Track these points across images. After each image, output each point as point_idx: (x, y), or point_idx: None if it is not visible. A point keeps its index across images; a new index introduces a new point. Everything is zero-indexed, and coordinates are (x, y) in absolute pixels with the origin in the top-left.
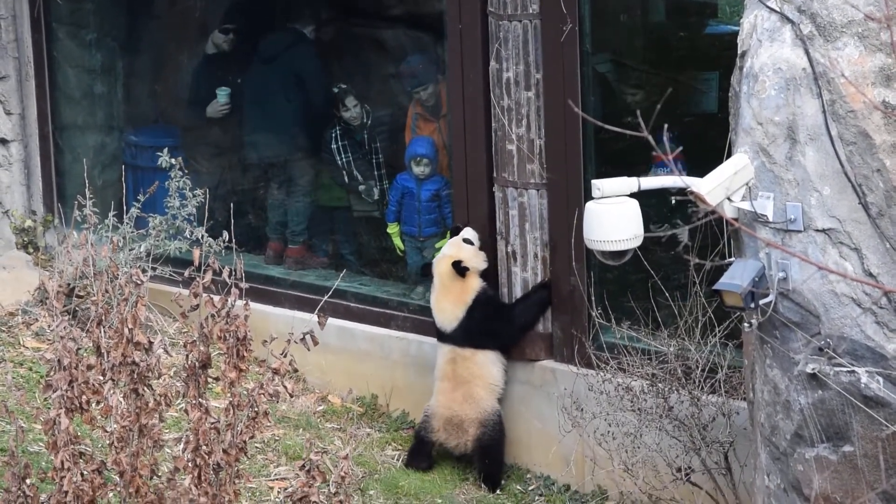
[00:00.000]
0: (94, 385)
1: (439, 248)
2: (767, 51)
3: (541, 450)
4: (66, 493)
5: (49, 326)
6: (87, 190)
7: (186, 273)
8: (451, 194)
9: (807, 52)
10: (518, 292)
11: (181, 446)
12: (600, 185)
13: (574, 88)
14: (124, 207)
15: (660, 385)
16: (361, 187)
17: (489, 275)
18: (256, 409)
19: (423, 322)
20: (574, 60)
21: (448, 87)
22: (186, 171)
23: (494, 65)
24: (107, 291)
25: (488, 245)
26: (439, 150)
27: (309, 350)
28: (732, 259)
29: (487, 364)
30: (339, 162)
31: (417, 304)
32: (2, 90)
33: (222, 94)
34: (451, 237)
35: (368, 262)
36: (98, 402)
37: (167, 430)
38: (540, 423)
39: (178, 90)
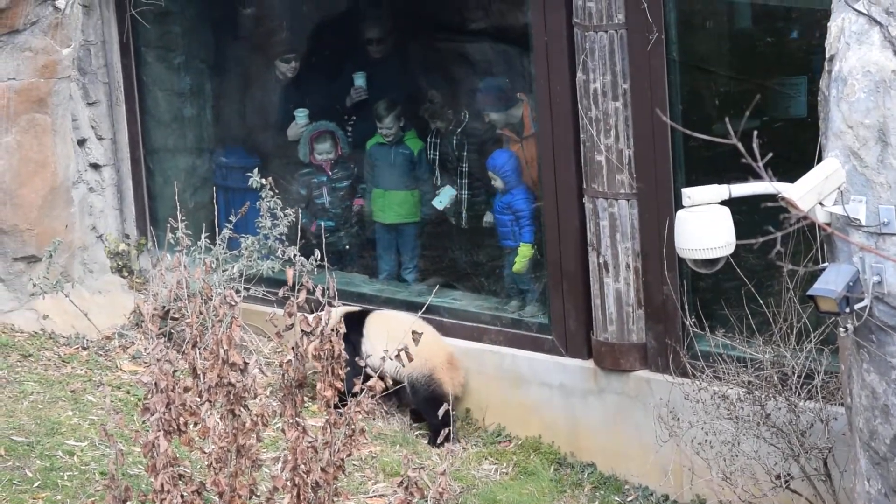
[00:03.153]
0: (191, 407)
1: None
2: (856, 54)
3: (638, 460)
4: None
5: (145, 349)
6: (178, 212)
7: (280, 293)
8: (533, 208)
9: None
10: (611, 303)
11: (279, 466)
12: (691, 194)
13: (661, 97)
14: (216, 228)
15: (756, 392)
16: (438, 192)
17: (581, 285)
18: (353, 427)
19: (515, 335)
20: (661, 69)
21: (535, 99)
22: (277, 191)
23: (581, 76)
24: (201, 313)
25: (579, 256)
26: (521, 163)
27: (404, 366)
28: (826, 264)
29: None
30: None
31: (510, 317)
32: (93, 115)
33: (301, 116)
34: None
35: (461, 277)
36: (195, 424)
37: (265, 450)
38: (636, 433)
39: (263, 111)
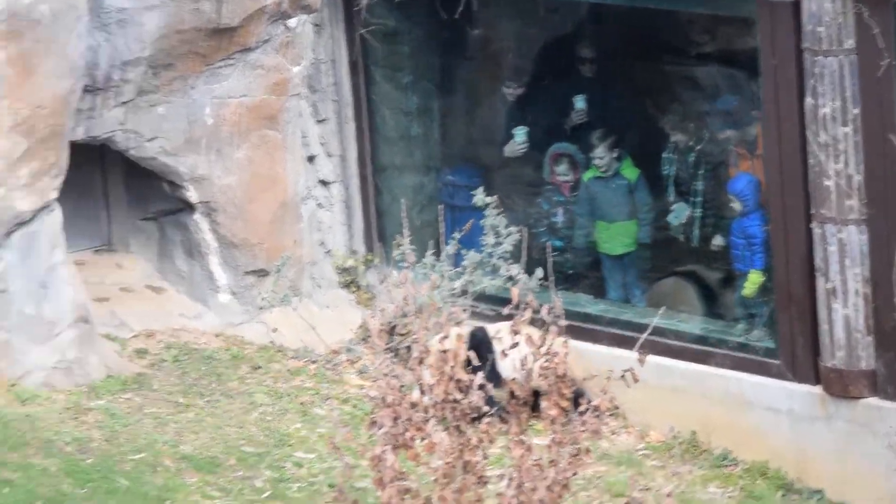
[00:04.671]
0: (417, 422)
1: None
2: None
3: (868, 488)
4: None
5: (372, 364)
6: (405, 229)
7: (505, 311)
8: (765, 233)
9: None
10: (840, 329)
11: (504, 483)
12: None
13: (893, 122)
14: (442, 246)
15: None
16: (673, 208)
17: (809, 310)
18: (578, 446)
19: (742, 359)
20: (892, 95)
21: (763, 123)
22: (501, 210)
23: (810, 101)
24: (427, 329)
25: (806, 281)
26: (760, 188)
27: (629, 387)
28: None
29: None
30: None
31: (737, 341)
32: (322, 133)
33: (520, 134)
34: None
35: (686, 299)
36: (422, 439)
37: (490, 467)
38: (866, 460)
39: (489, 131)
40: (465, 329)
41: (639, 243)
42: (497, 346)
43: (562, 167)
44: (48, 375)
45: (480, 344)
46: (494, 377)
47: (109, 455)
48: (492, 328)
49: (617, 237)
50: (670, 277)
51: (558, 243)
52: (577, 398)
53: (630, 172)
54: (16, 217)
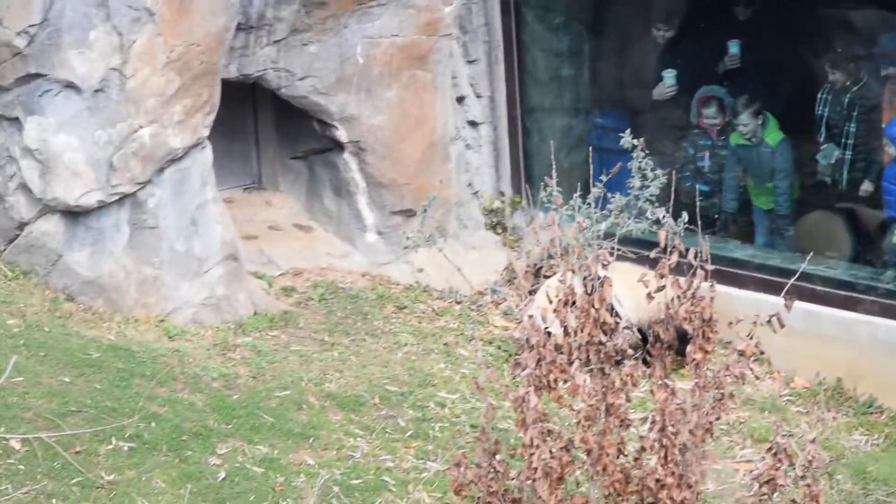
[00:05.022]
0: (561, 364)
1: None
2: None
3: None
4: (535, 469)
5: (516, 306)
6: (553, 171)
7: (652, 254)
8: None
9: None
10: None
11: (647, 426)
12: None
13: None
14: (590, 188)
15: None
16: (822, 147)
17: None
18: (722, 391)
19: (891, 306)
20: None
21: None
22: (648, 153)
23: None
24: (573, 272)
25: None
26: None
27: (775, 333)
28: None
29: None
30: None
31: (886, 287)
32: (472, 74)
33: (669, 77)
34: None
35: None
36: (565, 381)
37: (633, 410)
38: None
39: (639, 74)
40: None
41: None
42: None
43: (710, 110)
44: (196, 312)
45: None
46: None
47: (255, 391)
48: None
49: (764, 195)
50: (819, 211)
51: (704, 187)
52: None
53: (773, 137)
54: (168, 153)
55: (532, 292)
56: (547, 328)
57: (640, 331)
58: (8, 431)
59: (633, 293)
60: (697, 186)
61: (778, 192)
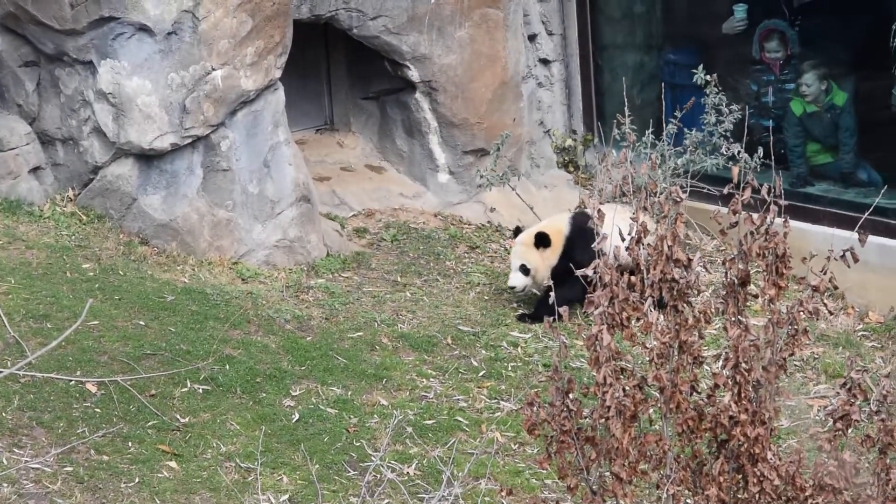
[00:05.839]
0: (633, 302)
1: None
2: None
3: None
4: (609, 407)
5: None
6: (625, 108)
7: (725, 190)
8: None
9: None
10: None
11: (720, 363)
12: None
13: None
14: (662, 125)
15: None
16: None
17: None
18: (796, 327)
19: None
20: None
21: None
22: (721, 88)
23: None
24: (646, 209)
25: None
26: None
27: (849, 267)
28: None
29: None
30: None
31: None
32: (544, 11)
33: (739, 10)
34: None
35: None
36: (638, 319)
37: (706, 348)
38: None
39: (710, 8)
40: (565, 213)
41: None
42: (600, 230)
43: (772, 44)
44: (269, 254)
45: (584, 226)
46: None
47: (328, 333)
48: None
49: (826, 153)
50: None
51: (771, 123)
52: None
53: (839, 98)
54: (240, 96)
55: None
56: (619, 265)
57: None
58: (84, 375)
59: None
60: (767, 123)
61: (844, 150)
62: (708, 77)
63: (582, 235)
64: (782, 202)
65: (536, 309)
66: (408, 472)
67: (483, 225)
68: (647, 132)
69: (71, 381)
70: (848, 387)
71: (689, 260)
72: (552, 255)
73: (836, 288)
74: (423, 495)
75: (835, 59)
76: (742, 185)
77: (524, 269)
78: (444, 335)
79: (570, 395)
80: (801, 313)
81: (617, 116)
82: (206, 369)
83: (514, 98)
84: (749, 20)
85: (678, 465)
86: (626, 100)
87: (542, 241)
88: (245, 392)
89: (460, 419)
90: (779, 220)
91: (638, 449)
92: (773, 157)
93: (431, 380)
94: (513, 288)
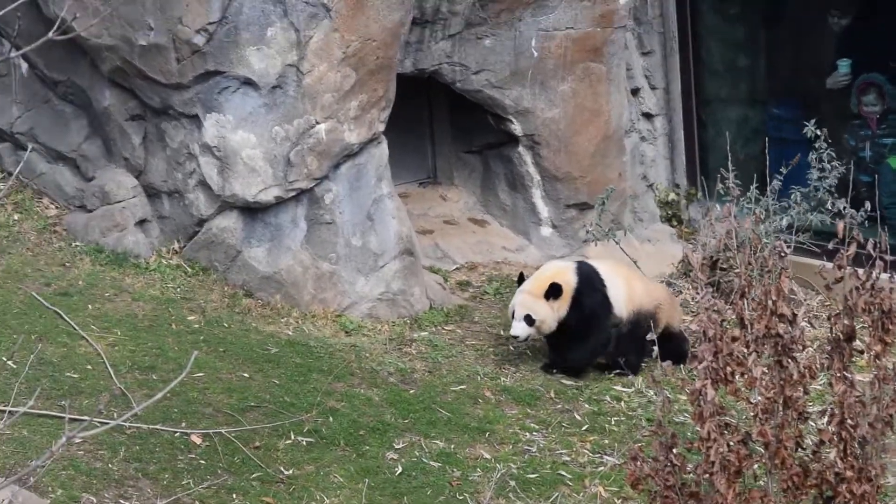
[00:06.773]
0: (738, 357)
1: None
2: None
3: None
4: (713, 462)
5: (693, 299)
6: (729, 162)
7: (830, 245)
8: None
9: None
10: None
11: (825, 419)
12: None
13: None
14: (766, 179)
15: None
16: None
17: None
18: None
19: None
20: None
21: None
22: (830, 142)
23: None
24: (750, 264)
25: None
26: None
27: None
28: None
29: None
30: None
31: None
32: (647, 65)
33: (843, 66)
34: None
35: None
36: (742, 374)
37: (811, 403)
38: None
39: (815, 63)
40: (569, 263)
41: None
42: (608, 280)
43: (869, 97)
44: (373, 306)
45: (590, 276)
46: (606, 308)
47: (431, 386)
48: (597, 262)
49: None
50: None
51: (868, 178)
52: None
53: None
54: (344, 149)
55: (709, 285)
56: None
57: (631, 323)
58: (189, 426)
59: (625, 284)
60: (865, 179)
61: None
62: (818, 131)
63: (590, 285)
64: (888, 257)
65: (570, 363)
66: None
67: None
68: (751, 187)
69: (176, 432)
70: None
71: (794, 315)
72: (563, 306)
73: None
74: None
75: None
76: (847, 241)
77: (528, 320)
78: (546, 389)
79: (674, 450)
80: None
81: (720, 170)
82: (310, 422)
83: (618, 152)
84: (853, 74)
85: None
86: (729, 154)
87: (554, 292)
88: (348, 445)
89: (563, 473)
90: (884, 276)
91: None
92: (878, 212)
93: (534, 433)
94: (516, 337)
